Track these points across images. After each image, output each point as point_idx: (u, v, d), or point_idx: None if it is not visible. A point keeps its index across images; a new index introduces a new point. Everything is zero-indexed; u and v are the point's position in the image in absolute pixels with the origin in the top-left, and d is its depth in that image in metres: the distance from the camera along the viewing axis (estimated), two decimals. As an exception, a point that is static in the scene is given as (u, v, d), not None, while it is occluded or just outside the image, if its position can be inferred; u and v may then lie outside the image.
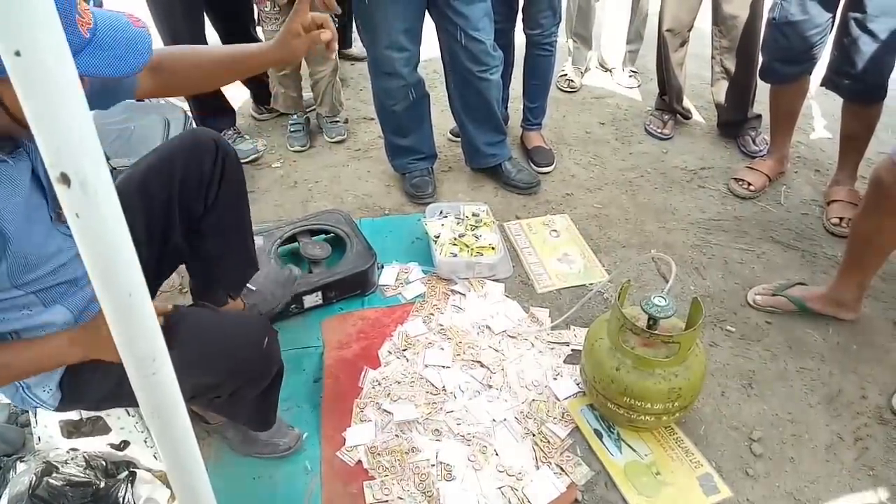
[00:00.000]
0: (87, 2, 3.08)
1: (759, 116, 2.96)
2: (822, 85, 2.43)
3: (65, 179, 0.45)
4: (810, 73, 2.47)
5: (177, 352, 0.95)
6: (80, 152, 0.46)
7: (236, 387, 1.42)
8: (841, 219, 2.44)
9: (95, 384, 1.29)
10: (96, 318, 1.18)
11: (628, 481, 1.63)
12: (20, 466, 1.42)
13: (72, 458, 1.47)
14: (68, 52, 0.44)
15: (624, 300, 1.64)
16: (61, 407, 1.33)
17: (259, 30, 2.88)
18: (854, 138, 2.47)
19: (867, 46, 2.18)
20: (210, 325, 1.36)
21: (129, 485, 1.49)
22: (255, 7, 2.78)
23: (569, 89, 3.50)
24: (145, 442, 1.59)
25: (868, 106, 2.37)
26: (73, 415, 1.51)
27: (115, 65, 1.02)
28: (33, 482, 1.39)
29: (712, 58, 2.95)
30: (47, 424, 1.56)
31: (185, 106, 2.85)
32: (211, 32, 2.79)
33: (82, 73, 0.99)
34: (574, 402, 1.82)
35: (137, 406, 1.38)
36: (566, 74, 3.53)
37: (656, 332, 1.57)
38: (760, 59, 2.60)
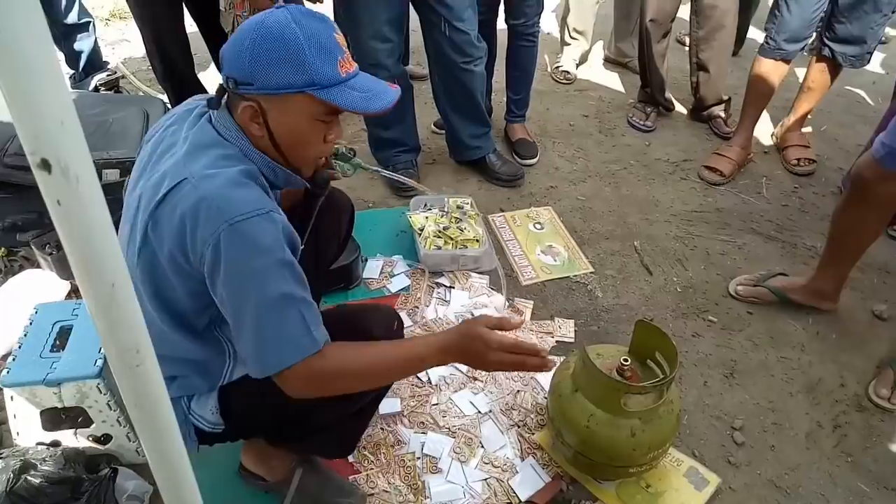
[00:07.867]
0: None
1: (729, 99, 3.07)
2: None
3: (45, 165, 0.44)
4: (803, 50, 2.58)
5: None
6: (61, 138, 0.45)
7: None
8: (798, 160, 2.81)
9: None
10: (473, 332, 1.17)
11: None
12: (-2, 464, 1.39)
13: (51, 456, 1.44)
14: (49, 36, 0.43)
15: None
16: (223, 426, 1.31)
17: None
18: (817, 89, 2.73)
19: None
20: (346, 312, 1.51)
21: (111, 481, 1.47)
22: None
23: (565, 81, 3.50)
24: (128, 437, 1.57)
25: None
26: (55, 401, 1.49)
27: (361, 104, 1.14)
28: (10, 480, 1.36)
29: (689, 48, 2.98)
30: (26, 419, 1.53)
31: (165, 98, 2.80)
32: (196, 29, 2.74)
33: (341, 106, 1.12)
34: (559, 394, 1.82)
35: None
36: (561, 66, 3.53)
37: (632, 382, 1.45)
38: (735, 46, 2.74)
